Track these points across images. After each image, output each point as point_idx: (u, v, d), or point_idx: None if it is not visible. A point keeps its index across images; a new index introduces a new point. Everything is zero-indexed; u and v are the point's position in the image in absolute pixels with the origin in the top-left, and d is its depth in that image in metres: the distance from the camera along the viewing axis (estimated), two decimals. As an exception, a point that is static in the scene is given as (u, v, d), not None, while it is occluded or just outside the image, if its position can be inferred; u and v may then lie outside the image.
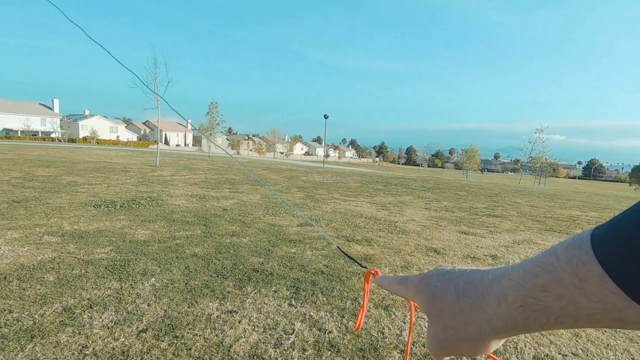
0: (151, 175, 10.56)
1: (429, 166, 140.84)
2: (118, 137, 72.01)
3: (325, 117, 34.99)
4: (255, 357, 1.92)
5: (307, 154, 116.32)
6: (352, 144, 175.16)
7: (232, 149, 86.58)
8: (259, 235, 4.40)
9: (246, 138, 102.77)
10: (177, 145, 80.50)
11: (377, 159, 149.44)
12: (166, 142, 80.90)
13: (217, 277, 2.97)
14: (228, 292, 2.69)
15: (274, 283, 2.92)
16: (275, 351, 1.99)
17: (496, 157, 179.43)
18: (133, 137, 76.96)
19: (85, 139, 59.68)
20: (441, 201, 9.17)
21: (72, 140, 57.42)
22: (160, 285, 2.73)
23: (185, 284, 2.80)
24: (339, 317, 2.43)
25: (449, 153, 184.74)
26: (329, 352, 2.02)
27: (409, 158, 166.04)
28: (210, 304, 2.50)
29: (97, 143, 57.63)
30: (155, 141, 75.72)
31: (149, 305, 2.41)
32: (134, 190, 7.45)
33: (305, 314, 2.45)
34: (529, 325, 0.30)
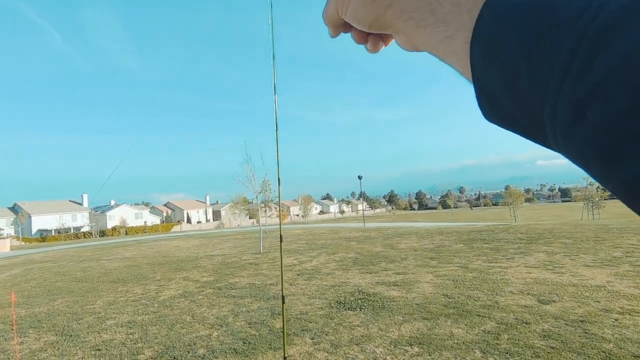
0: (299, 268, 10.96)
1: (443, 207, 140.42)
2: (145, 222, 73.54)
3: (360, 177, 36.38)
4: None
5: (321, 212, 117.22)
6: (362, 196, 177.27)
7: (249, 217, 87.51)
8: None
9: (263, 205, 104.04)
10: (198, 222, 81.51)
11: (391, 207, 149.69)
12: (188, 221, 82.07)
13: None
14: None
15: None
16: None
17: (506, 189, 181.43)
18: (156, 220, 78.48)
19: (114, 229, 60.95)
20: (578, 255, 9.46)
21: (102, 232, 58.60)
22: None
23: None
24: None
25: (459, 192, 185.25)
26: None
27: (421, 202, 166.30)
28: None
29: (126, 233, 58.65)
30: (179, 221, 76.70)
31: None
32: (334, 294, 7.84)
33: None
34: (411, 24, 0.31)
